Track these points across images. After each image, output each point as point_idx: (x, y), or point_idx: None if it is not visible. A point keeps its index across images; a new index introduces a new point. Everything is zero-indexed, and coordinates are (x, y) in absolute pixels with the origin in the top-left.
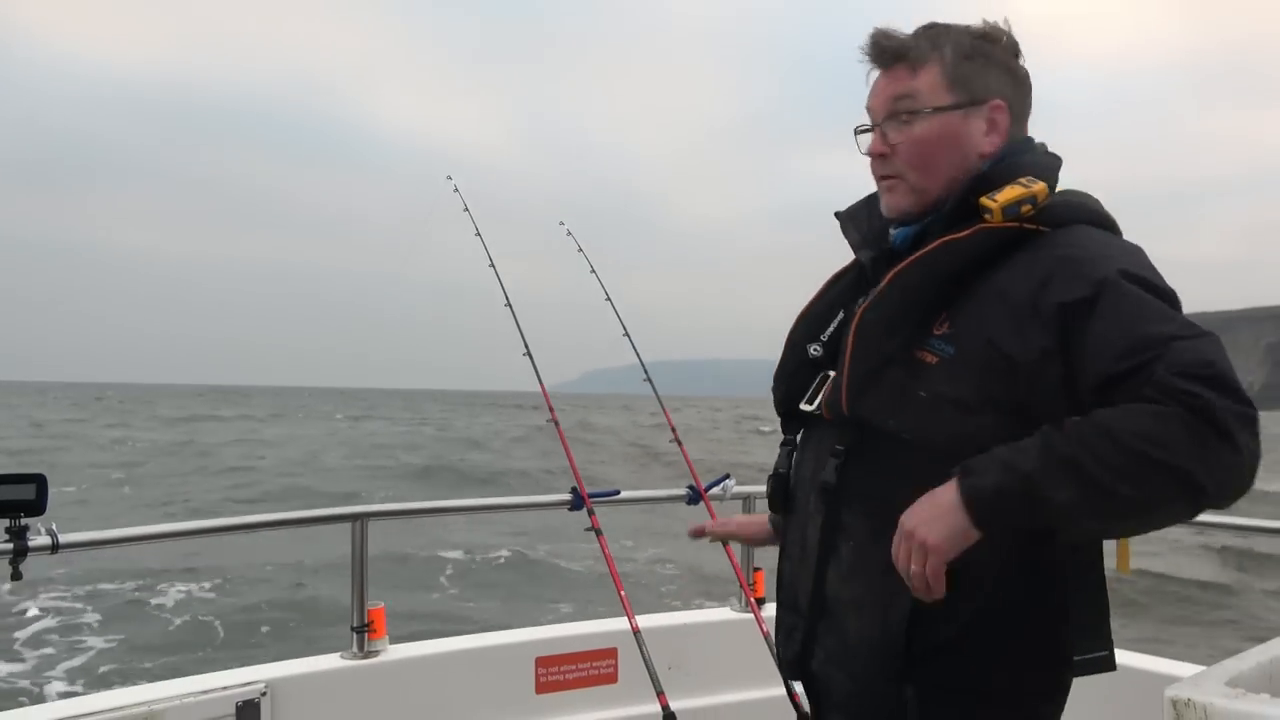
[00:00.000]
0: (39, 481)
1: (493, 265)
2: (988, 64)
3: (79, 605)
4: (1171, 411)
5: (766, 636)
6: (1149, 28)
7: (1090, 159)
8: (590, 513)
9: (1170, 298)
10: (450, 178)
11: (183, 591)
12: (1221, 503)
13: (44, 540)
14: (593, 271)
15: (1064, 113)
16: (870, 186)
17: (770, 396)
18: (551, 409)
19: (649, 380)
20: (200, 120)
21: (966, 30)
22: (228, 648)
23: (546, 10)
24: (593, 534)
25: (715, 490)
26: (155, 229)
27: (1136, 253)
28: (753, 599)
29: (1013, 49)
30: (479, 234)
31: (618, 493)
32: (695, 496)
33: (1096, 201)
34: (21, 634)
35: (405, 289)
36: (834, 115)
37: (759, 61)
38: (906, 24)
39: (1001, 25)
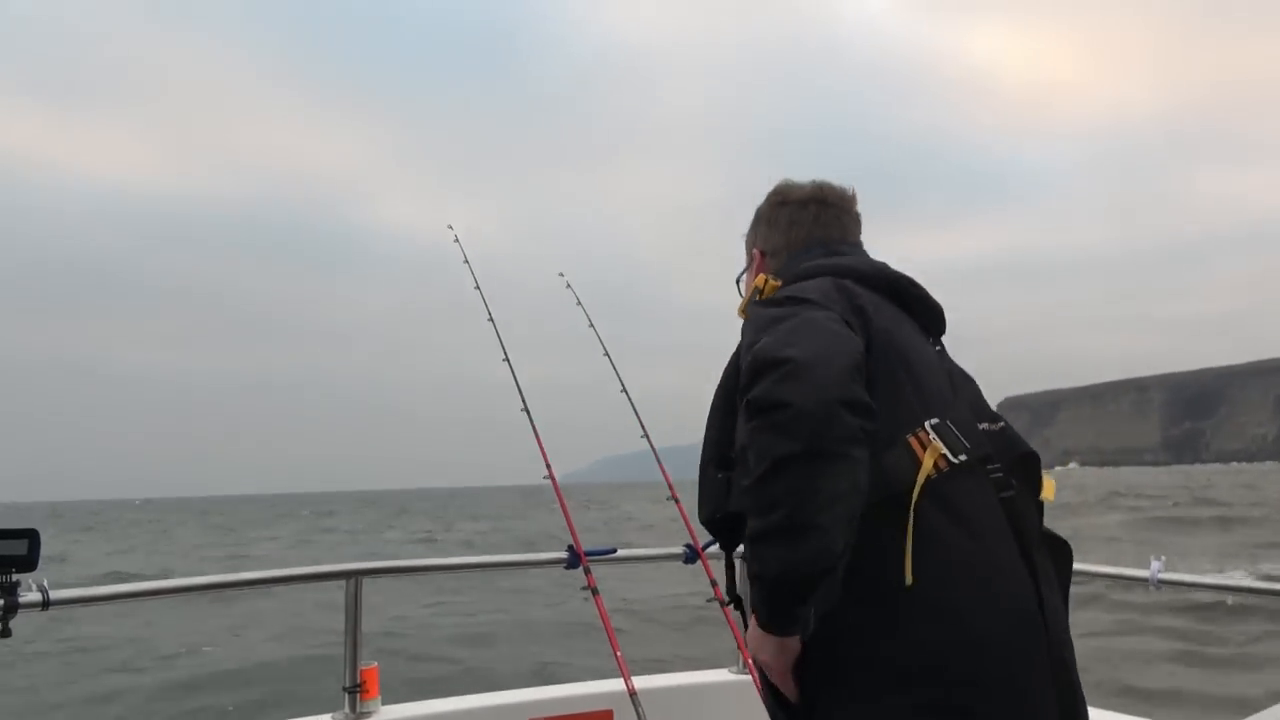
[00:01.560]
0: (31, 537)
1: (491, 319)
2: (755, 226)
3: (69, 665)
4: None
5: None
6: (1128, 94)
7: (1084, 225)
8: (586, 571)
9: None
10: (451, 227)
11: (174, 651)
12: (817, 442)
13: (35, 596)
14: (591, 326)
15: (1053, 182)
16: None
17: None
18: (549, 465)
19: (659, 462)
20: (198, 237)
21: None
22: (220, 707)
23: (535, 111)
24: (589, 593)
25: (713, 549)
26: (158, 346)
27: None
28: (750, 660)
29: (780, 196)
30: (478, 287)
31: (614, 551)
32: (693, 555)
33: (809, 276)
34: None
35: (413, 388)
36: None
37: (746, 148)
38: (882, 105)
39: (789, 182)
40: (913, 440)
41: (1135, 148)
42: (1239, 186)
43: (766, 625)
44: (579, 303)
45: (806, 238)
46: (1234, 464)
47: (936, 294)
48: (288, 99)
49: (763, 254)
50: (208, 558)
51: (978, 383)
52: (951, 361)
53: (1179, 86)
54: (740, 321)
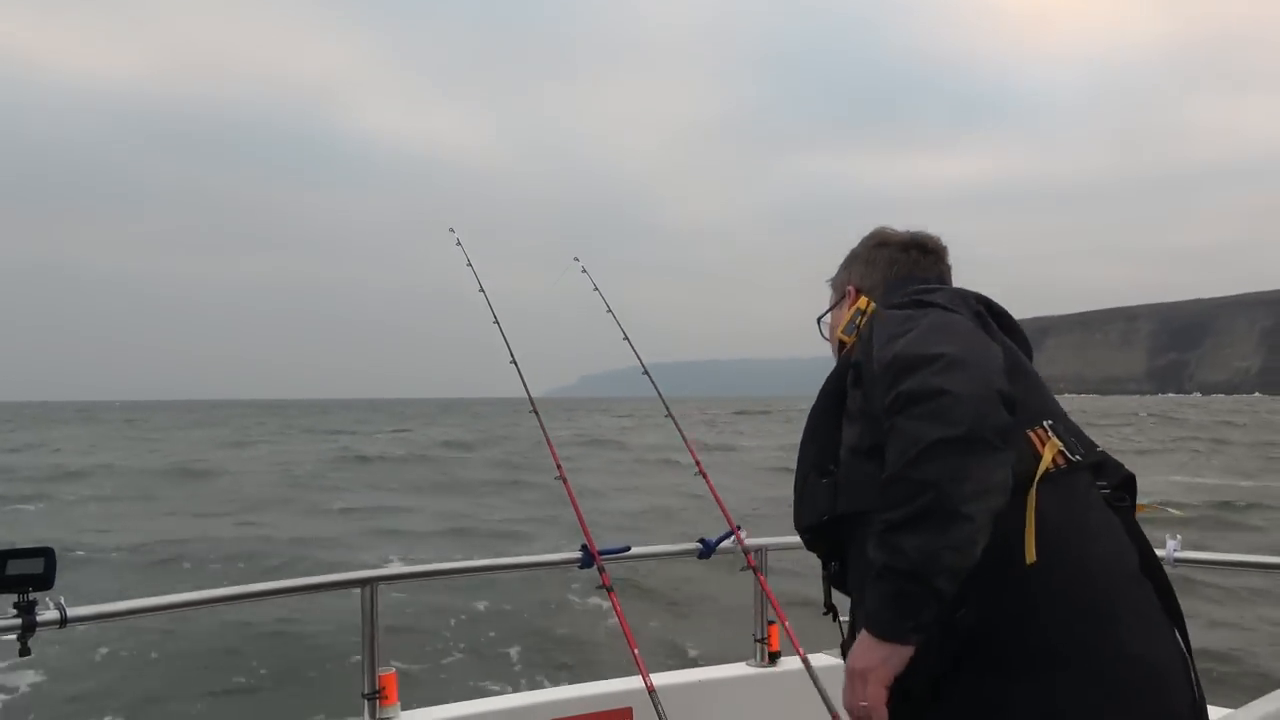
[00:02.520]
0: (47, 555)
1: (497, 322)
2: (849, 265)
3: (82, 678)
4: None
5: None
6: (1130, 19)
7: (1080, 151)
8: (601, 570)
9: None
10: (452, 230)
11: (192, 656)
12: (979, 429)
13: (52, 614)
14: (609, 311)
15: (1051, 108)
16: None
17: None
18: (559, 465)
19: (657, 389)
20: (189, 139)
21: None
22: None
23: (527, 21)
24: (603, 591)
25: (726, 544)
26: (148, 250)
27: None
28: (768, 654)
29: (879, 239)
30: (482, 289)
31: (628, 549)
32: (707, 550)
33: (918, 289)
34: (15, 709)
35: (409, 300)
36: (818, 114)
37: (741, 62)
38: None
39: (886, 229)
40: (1032, 435)
41: (1134, 73)
42: (1237, 117)
43: (885, 631)
44: (595, 288)
45: (905, 276)
46: (1214, 396)
47: (936, 218)
48: (277, 2)
49: (857, 290)
50: (191, 442)
51: None
52: None
53: (1179, 10)
54: (829, 353)
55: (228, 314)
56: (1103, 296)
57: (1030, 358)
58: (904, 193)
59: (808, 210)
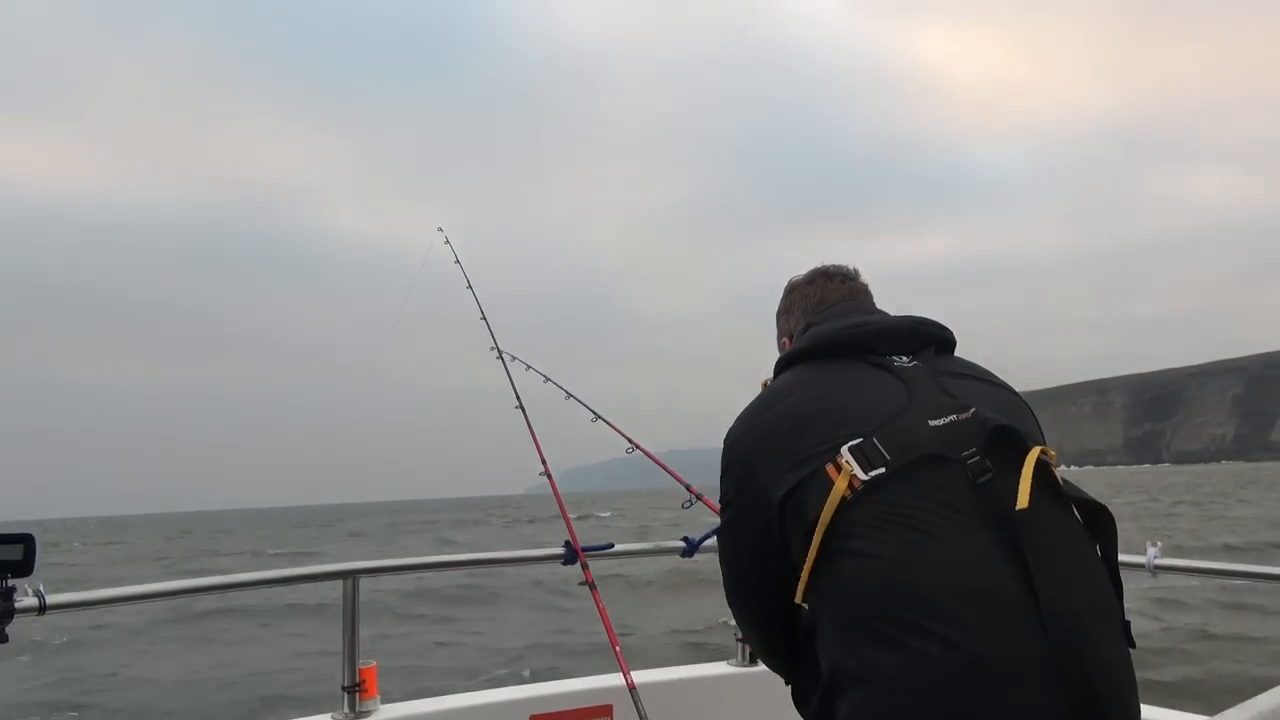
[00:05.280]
0: (27, 542)
1: (484, 319)
2: (777, 322)
3: (62, 671)
4: None
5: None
6: (1078, 97)
7: (1039, 225)
8: (584, 566)
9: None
10: (441, 229)
11: (171, 653)
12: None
13: (31, 601)
14: (514, 361)
15: (1007, 183)
16: None
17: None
18: (543, 460)
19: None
20: (149, 250)
21: None
22: (223, 708)
23: (488, 119)
24: (586, 588)
25: (709, 543)
26: (109, 362)
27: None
28: (749, 654)
29: (789, 286)
30: (470, 286)
31: (611, 546)
32: (690, 549)
33: (785, 367)
34: None
35: (375, 401)
36: (778, 202)
37: (702, 154)
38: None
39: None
40: (830, 468)
41: (1087, 149)
42: (1186, 189)
43: None
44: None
45: (818, 304)
46: (1189, 465)
47: (901, 300)
48: (239, 108)
49: (790, 339)
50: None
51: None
52: (941, 363)
53: (1126, 89)
54: None
55: (194, 424)
56: (1074, 369)
57: (916, 347)
58: (866, 276)
59: (770, 294)
